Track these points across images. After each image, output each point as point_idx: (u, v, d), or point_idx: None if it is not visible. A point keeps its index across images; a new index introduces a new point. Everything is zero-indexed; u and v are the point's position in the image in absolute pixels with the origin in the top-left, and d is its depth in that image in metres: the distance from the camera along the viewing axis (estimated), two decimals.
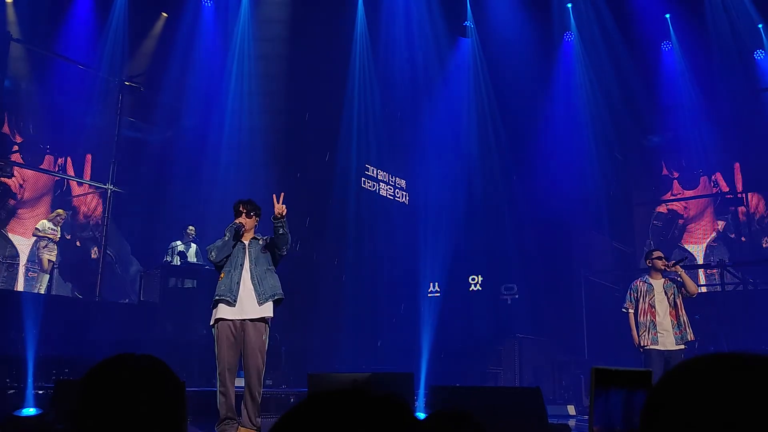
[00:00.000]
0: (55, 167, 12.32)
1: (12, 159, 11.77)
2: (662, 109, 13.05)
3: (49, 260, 11.00)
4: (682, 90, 12.53)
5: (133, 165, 12.79)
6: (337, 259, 11.85)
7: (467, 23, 13.15)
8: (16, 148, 11.91)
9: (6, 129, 11.80)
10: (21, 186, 11.93)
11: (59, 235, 11.28)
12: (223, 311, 5.04)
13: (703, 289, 12.70)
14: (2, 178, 11.49)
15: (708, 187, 13.40)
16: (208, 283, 9.61)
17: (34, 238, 11.32)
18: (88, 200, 13.06)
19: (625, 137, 13.34)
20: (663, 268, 6.42)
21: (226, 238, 5.15)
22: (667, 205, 13.76)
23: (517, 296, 10.76)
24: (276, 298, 5.15)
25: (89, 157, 12.88)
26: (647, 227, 13.88)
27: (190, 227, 10.85)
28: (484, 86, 12.96)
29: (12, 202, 11.62)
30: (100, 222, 12.46)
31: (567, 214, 11.18)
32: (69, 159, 12.47)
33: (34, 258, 11.35)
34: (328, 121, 12.67)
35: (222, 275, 5.16)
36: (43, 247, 10.99)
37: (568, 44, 12.97)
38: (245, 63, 12.56)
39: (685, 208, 13.58)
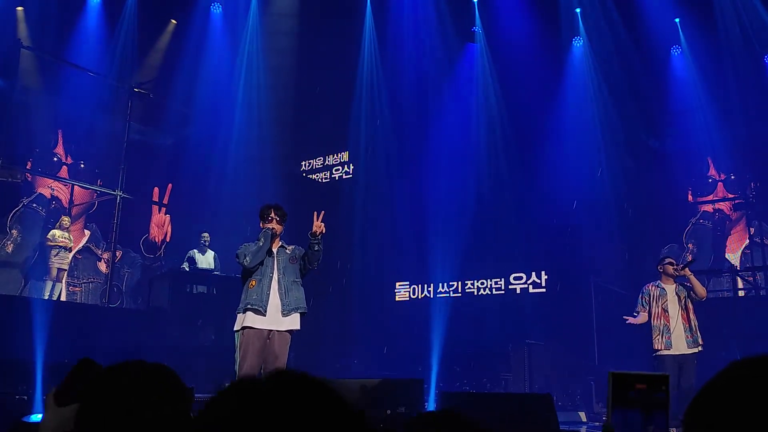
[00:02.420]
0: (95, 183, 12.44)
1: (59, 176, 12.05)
2: (672, 113, 12.96)
3: (60, 268, 11.03)
4: (692, 94, 12.45)
5: (143, 170, 12.86)
6: (344, 264, 11.82)
7: (475, 28, 13.13)
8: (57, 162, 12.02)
9: (60, 149, 12.01)
10: (71, 201, 12.13)
11: (71, 243, 11.30)
12: (252, 320, 4.95)
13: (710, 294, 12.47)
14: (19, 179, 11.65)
15: (745, 192, 12.97)
16: (218, 289, 9.63)
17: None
18: (159, 227, 13.25)
19: (636, 142, 13.24)
20: (674, 273, 6.44)
21: (261, 243, 5.01)
22: (713, 205, 13.35)
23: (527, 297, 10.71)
24: (300, 311, 5.11)
25: (170, 186, 13.18)
26: (657, 231, 13.69)
27: (205, 234, 10.77)
28: (493, 91, 12.91)
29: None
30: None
31: (576, 219, 11.11)
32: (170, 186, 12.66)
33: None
34: (336, 128, 12.68)
35: (253, 283, 5.02)
36: (54, 256, 10.99)
37: (577, 49, 12.94)
38: (254, 69, 12.61)
39: (731, 208, 13.13)
